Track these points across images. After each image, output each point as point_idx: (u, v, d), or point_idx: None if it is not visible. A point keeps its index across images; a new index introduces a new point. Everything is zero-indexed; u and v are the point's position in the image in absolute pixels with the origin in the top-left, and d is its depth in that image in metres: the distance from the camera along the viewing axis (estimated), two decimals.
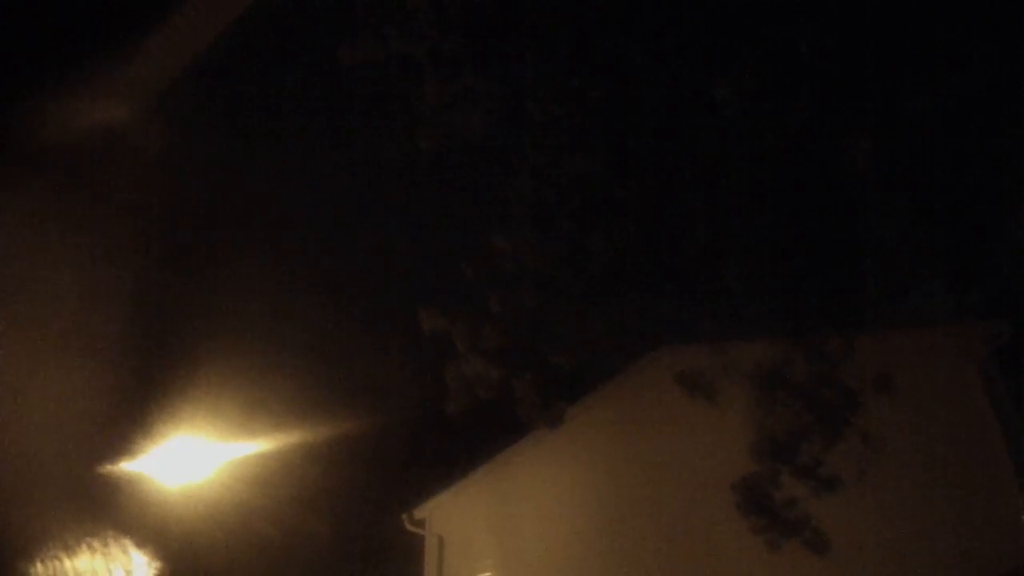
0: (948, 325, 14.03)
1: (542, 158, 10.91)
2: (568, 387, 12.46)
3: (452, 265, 11.79)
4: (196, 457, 15.39)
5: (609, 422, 18.04)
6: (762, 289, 11.35)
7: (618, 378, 17.58)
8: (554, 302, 11.52)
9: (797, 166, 10.28)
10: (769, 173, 10.51)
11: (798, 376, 11.50)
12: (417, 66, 10.73)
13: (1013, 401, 14.14)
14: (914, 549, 14.20)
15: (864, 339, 11.52)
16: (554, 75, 10.60)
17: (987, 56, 9.64)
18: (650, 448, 17.31)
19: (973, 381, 14.10)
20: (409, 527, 21.43)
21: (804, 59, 9.80)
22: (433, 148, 10.84)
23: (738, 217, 10.96)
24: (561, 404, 12.30)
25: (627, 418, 17.83)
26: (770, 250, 10.96)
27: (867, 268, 11.09)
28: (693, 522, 16.36)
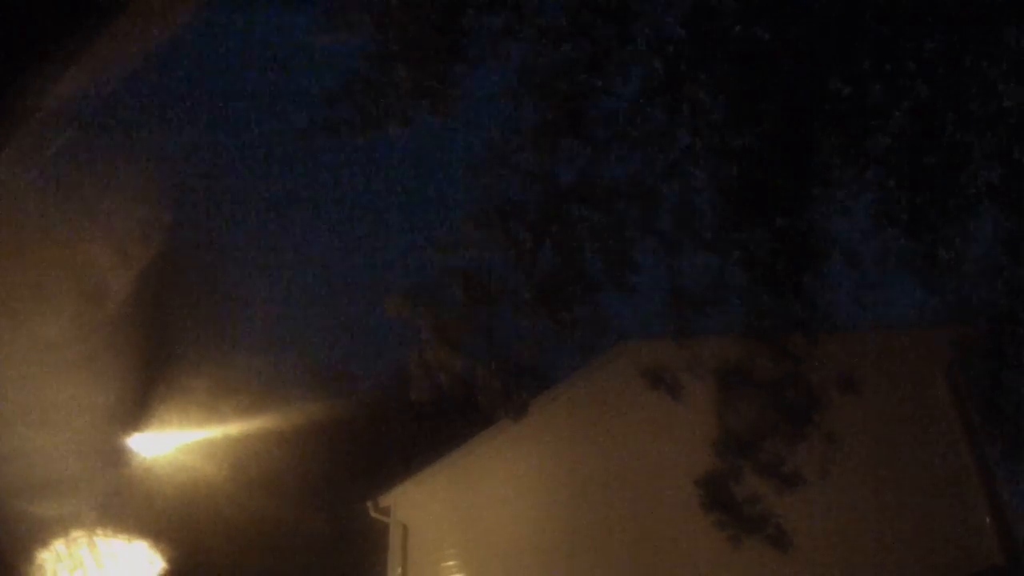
0: (915, 328, 14.01)
1: (510, 148, 10.88)
2: (532, 379, 12.42)
3: (419, 253, 11.78)
4: (166, 439, 15.18)
5: (573, 415, 17.98)
6: (728, 286, 11.33)
7: (582, 371, 17.52)
8: (518, 292, 11.50)
9: (764, 163, 10.23)
10: (736, 169, 10.47)
11: (762, 374, 11.47)
12: (389, 55, 10.66)
13: (978, 405, 14.11)
14: (878, 549, 14.18)
15: (829, 339, 11.49)
16: (522, 68, 10.56)
17: (954, 56, 9.61)
18: (614, 442, 17.26)
19: (939, 384, 14.08)
20: (374, 514, 21.35)
21: (772, 57, 9.75)
22: (403, 137, 10.78)
23: (704, 214, 10.96)
24: (524, 395, 12.28)
25: (591, 411, 17.78)
26: (736, 247, 10.93)
27: (834, 268, 11.07)
28: (656, 516, 16.32)
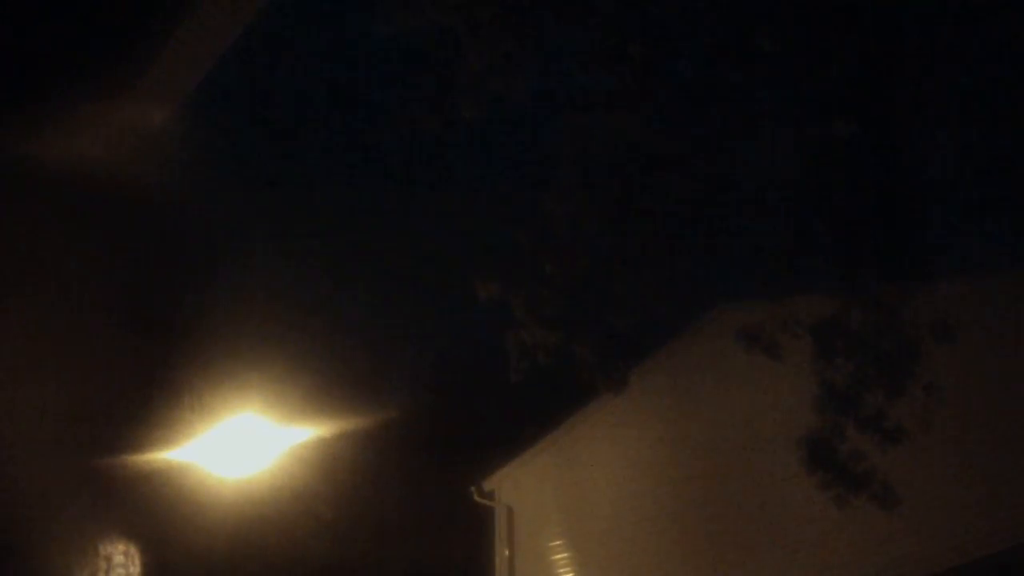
0: (1008, 273, 13.87)
1: (585, 118, 10.94)
2: (630, 351, 12.46)
3: (504, 233, 11.86)
4: (255, 443, 14.94)
5: (672, 384, 18.03)
6: (815, 241, 11.30)
7: (678, 339, 17.58)
8: (608, 263, 11.57)
9: (846, 111, 10.22)
10: (817, 121, 10.46)
11: (856, 327, 11.40)
12: (454, 35, 10.77)
13: None
14: (983, 502, 14.07)
15: (923, 288, 11.40)
16: (592, 34, 10.60)
17: None
18: (714, 408, 17.29)
19: None
20: (478, 499, 21.53)
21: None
22: (477, 117, 10.87)
23: (787, 168, 10.96)
24: (623, 368, 12.32)
25: (690, 379, 17.82)
26: (821, 200, 10.91)
27: (924, 215, 11.01)
28: (760, 481, 16.31)
